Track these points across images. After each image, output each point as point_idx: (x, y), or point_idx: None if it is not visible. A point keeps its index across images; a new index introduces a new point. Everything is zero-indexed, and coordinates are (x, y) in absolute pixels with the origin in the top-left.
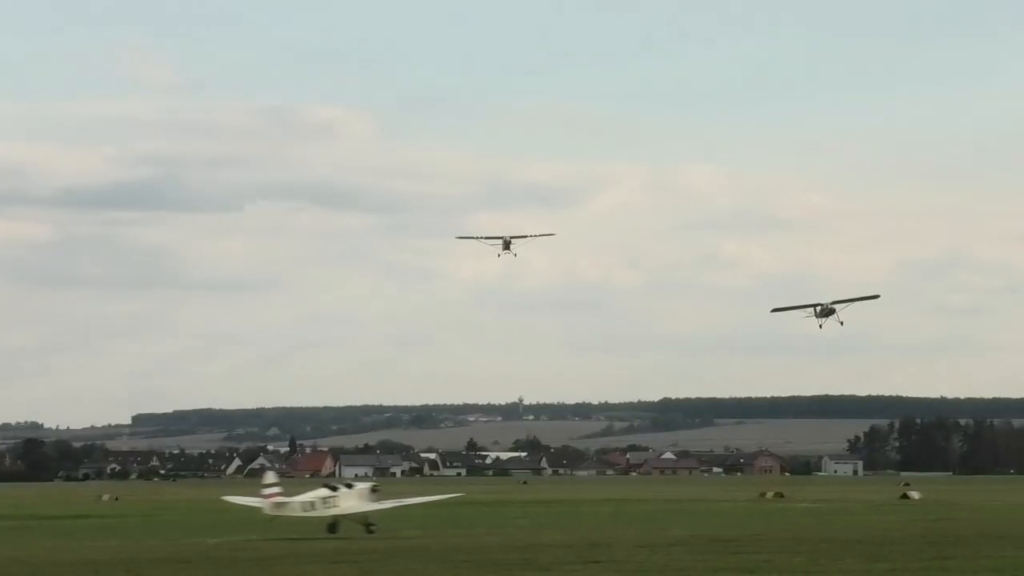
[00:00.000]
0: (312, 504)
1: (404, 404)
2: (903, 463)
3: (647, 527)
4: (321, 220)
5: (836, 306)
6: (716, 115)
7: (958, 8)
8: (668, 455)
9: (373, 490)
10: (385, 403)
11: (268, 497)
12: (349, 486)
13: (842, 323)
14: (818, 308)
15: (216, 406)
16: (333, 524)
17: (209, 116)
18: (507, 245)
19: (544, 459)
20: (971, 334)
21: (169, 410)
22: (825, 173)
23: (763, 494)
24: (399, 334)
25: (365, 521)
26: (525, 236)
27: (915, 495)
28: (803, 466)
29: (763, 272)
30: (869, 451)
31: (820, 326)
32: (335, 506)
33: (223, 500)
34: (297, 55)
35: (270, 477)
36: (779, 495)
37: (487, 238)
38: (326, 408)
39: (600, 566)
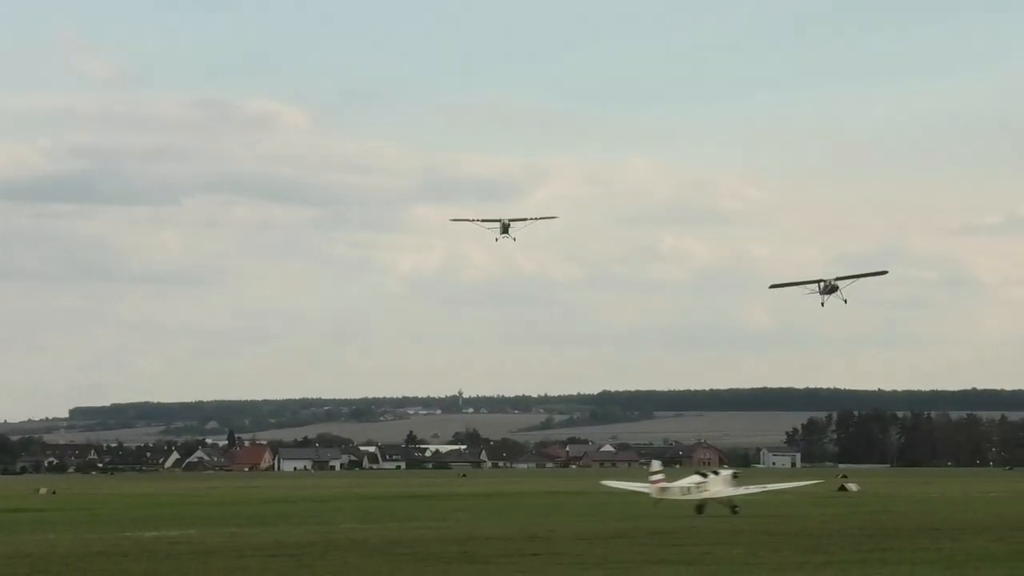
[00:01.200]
0: (688, 489)
1: (343, 397)
2: (841, 455)
3: (586, 520)
4: (258, 213)
5: (840, 283)
6: (654, 109)
7: (893, 2)
8: (607, 448)
9: (734, 476)
10: (324, 396)
11: (655, 483)
12: (716, 473)
13: (845, 301)
14: (821, 285)
15: (154, 400)
16: (701, 505)
17: (145, 109)
18: (505, 229)
19: (484, 452)
20: (908, 327)
21: (107, 403)
22: (762, 166)
23: None
24: (338, 327)
25: (730, 503)
26: (525, 219)
27: (853, 487)
28: (741, 458)
29: (701, 265)
30: (807, 443)
31: (823, 304)
32: (705, 490)
33: (602, 484)
34: (233, 48)
35: (656, 466)
36: None
37: (484, 220)
38: (265, 401)
39: (540, 559)
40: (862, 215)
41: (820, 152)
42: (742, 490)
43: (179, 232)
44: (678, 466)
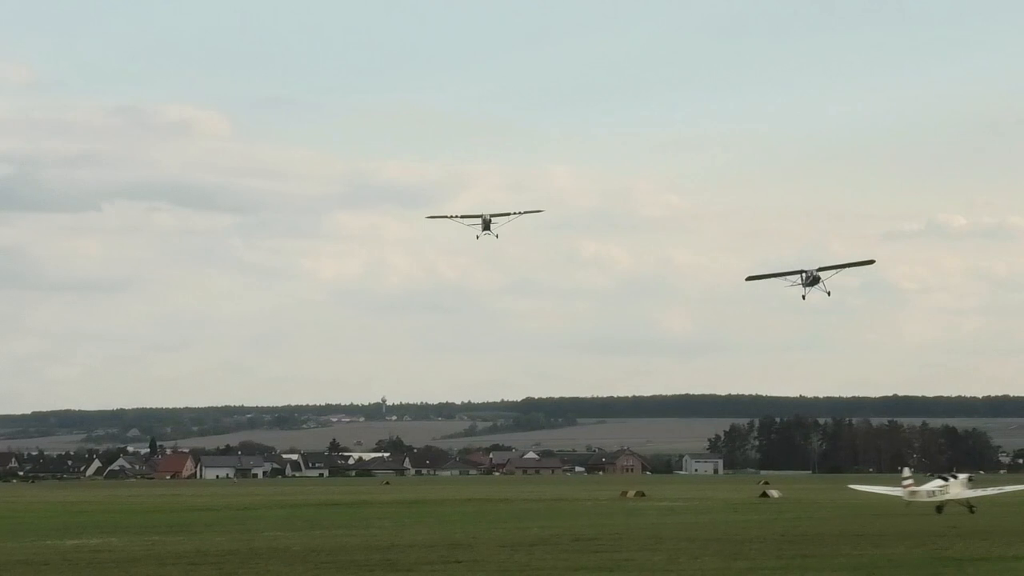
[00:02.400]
0: (934, 492)
1: (266, 405)
2: (763, 462)
3: (509, 526)
4: (178, 219)
5: (822, 273)
6: (575, 115)
7: (814, 9)
8: (531, 455)
9: (970, 480)
10: (247, 404)
11: (906, 487)
12: (955, 477)
13: (829, 293)
14: (804, 276)
15: (75, 407)
16: (940, 506)
17: (64, 115)
18: (487, 225)
19: (407, 459)
20: (829, 333)
21: (27, 411)
22: (683, 174)
23: (624, 493)
24: (260, 334)
25: (968, 504)
26: (508, 214)
27: (774, 494)
28: (664, 465)
29: (622, 272)
30: (729, 450)
31: (804, 296)
32: (946, 493)
33: (851, 489)
34: (153, 54)
35: (907, 472)
36: (640, 494)
37: (463, 217)
38: (186, 409)
39: (462, 566)
40: (783, 222)
41: (741, 159)
42: (979, 492)
43: (99, 239)
44: (601, 473)
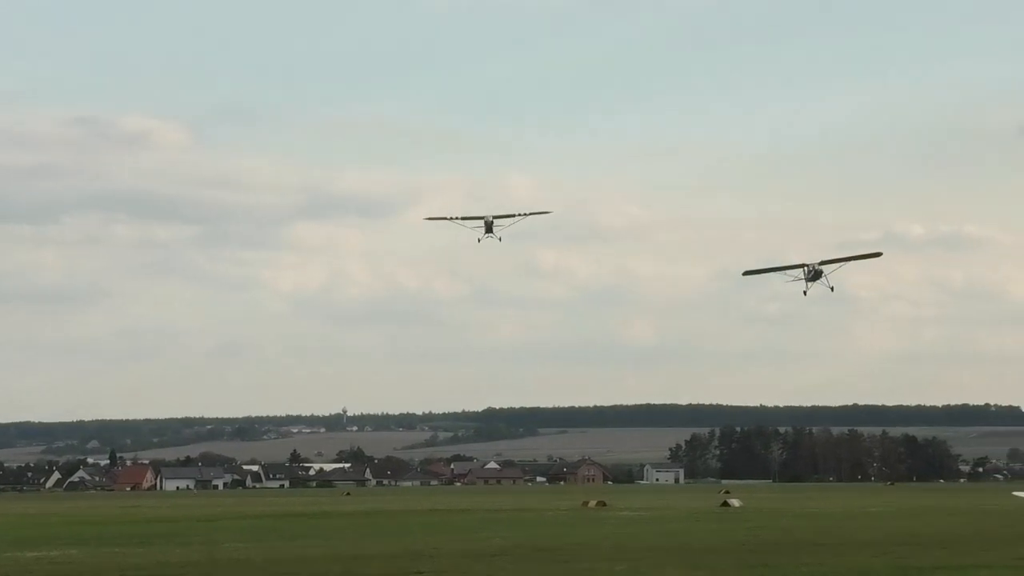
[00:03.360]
0: None
1: (226, 416)
2: (724, 471)
3: (471, 537)
4: (138, 231)
5: (824, 267)
6: (535, 125)
7: (772, 22)
8: (492, 465)
9: None
10: (207, 415)
11: None
12: None
13: (832, 288)
14: (806, 270)
15: (35, 419)
16: None
17: (23, 126)
18: (489, 228)
19: (368, 470)
20: (789, 343)
21: None
22: (643, 184)
23: (586, 503)
24: (220, 345)
25: None
26: (513, 216)
27: (735, 503)
28: (625, 474)
29: (583, 282)
30: (690, 459)
31: (805, 292)
32: None
33: (1014, 496)
34: (111, 64)
35: None
36: (601, 504)
37: (464, 219)
38: (147, 421)
39: None
40: (741, 231)
41: (700, 169)
42: None
43: (59, 250)
44: (562, 483)
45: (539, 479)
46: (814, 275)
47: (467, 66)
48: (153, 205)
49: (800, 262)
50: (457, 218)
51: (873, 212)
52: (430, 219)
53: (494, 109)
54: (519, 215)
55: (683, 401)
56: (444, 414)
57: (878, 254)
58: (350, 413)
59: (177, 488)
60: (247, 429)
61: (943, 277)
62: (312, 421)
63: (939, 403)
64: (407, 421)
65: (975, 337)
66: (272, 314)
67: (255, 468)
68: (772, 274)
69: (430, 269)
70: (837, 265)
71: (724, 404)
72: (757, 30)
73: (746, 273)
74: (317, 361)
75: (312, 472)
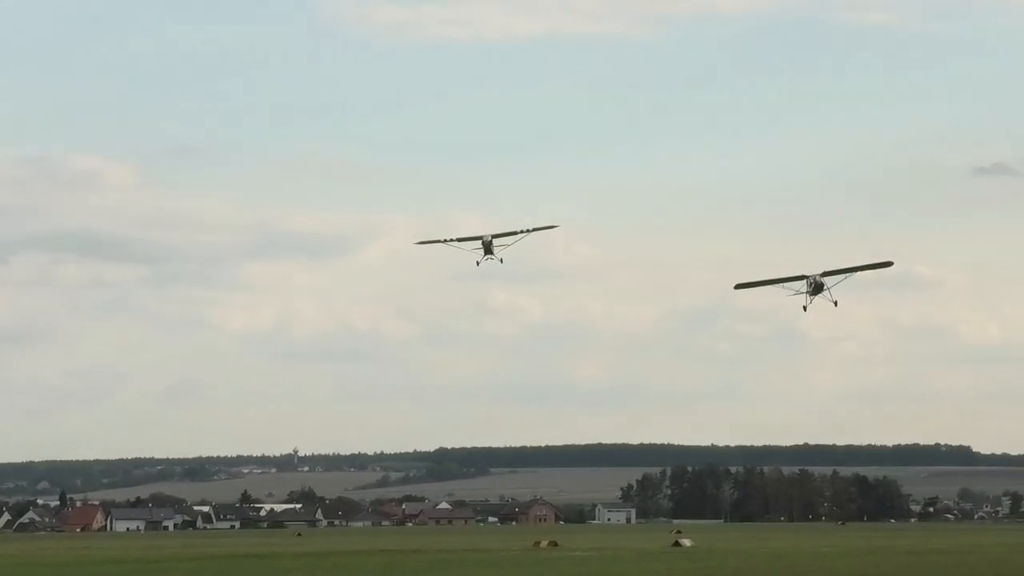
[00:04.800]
0: None
1: (176, 456)
2: (675, 511)
3: None
4: (87, 271)
5: (826, 279)
6: (485, 164)
7: (716, 61)
8: (444, 505)
9: None
10: (157, 456)
11: None
12: None
13: (836, 303)
14: (808, 282)
15: None
16: None
17: None
18: (488, 249)
19: (319, 511)
20: (740, 382)
21: None
22: (593, 223)
23: (537, 543)
24: (170, 385)
25: None
26: (516, 233)
27: (687, 543)
28: (577, 514)
29: (534, 321)
30: (642, 499)
31: (805, 308)
32: None
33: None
34: (59, 104)
35: None
36: (553, 544)
37: (460, 240)
38: (97, 461)
39: None
40: (693, 271)
41: (651, 208)
42: None
43: (7, 291)
44: (514, 523)
45: (491, 519)
46: (815, 288)
47: (417, 106)
48: (102, 245)
49: (799, 273)
50: (452, 240)
51: (823, 251)
52: (422, 243)
53: (444, 148)
54: (522, 232)
55: (634, 440)
56: (395, 454)
57: (889, 263)
58: (301, 453)
59: (127, 529)
60: (197, 469)
61: (893, 317)
62: (263, 461)
63: (889, 443)
64: (358, 461)
65: (925, 377)
66: (222, 353)
67: (205, 509)
68: (770, 287)
69: (381, 308)
70: (841, 277)
71: (675, 444)
72: (706, 72)
73: (738, 286)
74: (268, 401)
75: (263, 513)
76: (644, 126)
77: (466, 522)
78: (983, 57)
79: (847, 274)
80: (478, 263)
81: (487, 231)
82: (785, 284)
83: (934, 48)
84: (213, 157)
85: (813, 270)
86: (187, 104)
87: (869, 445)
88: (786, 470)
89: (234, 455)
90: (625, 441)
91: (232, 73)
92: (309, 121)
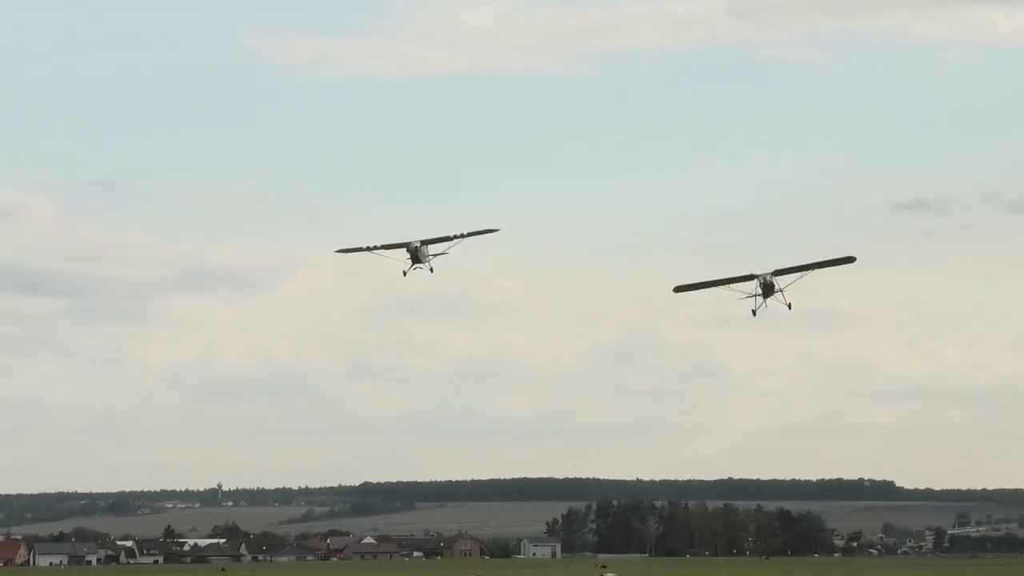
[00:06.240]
0: None
1: (99, 491)
2: (600, 545)
3: None
4: (8, 304)
5: (778, 279)
6: (408, 198)
7: (647, 90)
8: (369, 539)
9: None
10: (80, 490)
11: None
12: None
13: (790, 306)
14: (760, 281)
15: None
16: None
17: None
18: (416, 257)
19: (243, 545)
20: (664, 417)
21: None
22: (518, 257)
23: None
24: (92, 419)
25: None
26: (450, 239)
27: None
28: (502, 549)
29: (458, 355)
30: (567, 533)
31: (754, 312)
32: None
33: None
34: None
35: None
36: None
37: (383, 248)
38: (19, 495)
39: None
40: (615, 305)
41: (575, 242)
42: None
43: None
44: (439, 557)
45: (416, 554)
46: (766, 289)
47: (338, 140)
48: (23, 279)
49: (748, 273)
50: (375, 247)
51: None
52: (342, 251)
53: (366, 183)
54: (456, 237)
55: (559, 475)
56: (320, 488)
57: (852, 259)
58: (225, 488)
59: (51, 564)
60: (121, 504)
61: (816, 351)
62: (186, 496)
63: (813, 477)
64: (283, 496)
65: (849, 412)
66: (145, 387)
67: (129, 544)
68: (702, 288)
69: (305, 342)
70: (797, 276)
71: (600, 478)
72: (628, 106)
73: (678, 289)
74: (191, 435)
75: (187, 548)
76: (567, 160)
77: (391, 557)
78: (906, 93)
79: (802, 272)
80: (405, 273)
81: (414, 237)
82: (732, 286)
83: (856, 84)
84: (134, 191)
85: (764, 268)
86: (107, 138)
87: (793, 480)
88: (710, 504)
89: (157, 490)
90: (550, 475)
91: (153, 107)
92: (230, 154)
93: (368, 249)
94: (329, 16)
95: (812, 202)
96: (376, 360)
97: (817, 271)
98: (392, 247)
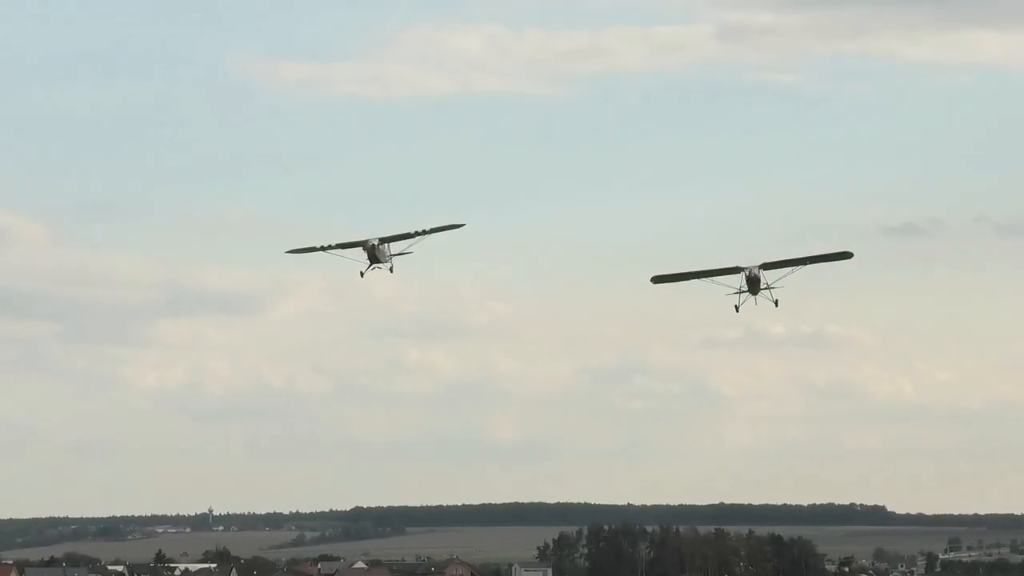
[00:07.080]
0: None
1: (90, 516)
2: (592, 570)
3: None
4: None
5: (765, 272)
6: (397, 222)
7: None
8: (359, 565)
9: None
10: (71, 515)
11: None
12: None
13: (776, 302)
14: (746, 275)
15: None
16: None
17: None
18: (374, 256)
19: (234, 570)
20: (655, 440)
21: None
22: (507, 281)
23: None
24: (83, 444)
25: None
26: (410, 236)
27: None
28: (493, 574)
29: (448, 378)
30: (558, 558)
31: (737, 308)
32: None
33: None
34: None
35: None
36: None
37: (338, 247)
38: (10, 520)
39: None
40: (605, 327)
41: (564, 265)
42: None
43: None
44: None
45: None
46: (752, 284)
47: (328, 163)
48: (13, 302)
49: (734, 265)
50: (329, 247)
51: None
52: (293, 252)
53: (356, 205)
54: (418, 233)
55: (551, 500)
56: (311, 513)
57: (848, 254)
58: (216, 512)
59: None
60: (111, 529)
61: (806, 376)
62: (177, 521)
63: (805, 502)
64: (274, 520)
65: (840, 436)
66: (135, 411)
67: (120, 569)
68: (682, 280)
69: (295, 365)
70: (787, 271)
71: (592, 503)
72: (615, 130)
73: (656, 280)
74: (182, 459)
75: (177, 573)
76: (555, 183)
77: None
78: (894, 117)
79: (793, 267)
80: (362, 274)
81: (373, 236)
82: (715, 279)
83: (844, 108)
84: (125, 214)
85: (751, 261)
86: (98, 161)
87: (784, 504)
88: (702, 529)
89: (148, 514)
90: (542, 500)
91: (143, 130)
92: (221, 178)
93: (322, 249)
94: (317, 40)
95: (801, 225)
96: (367, 383)
97: (808, 266)
98: (347, 246)
